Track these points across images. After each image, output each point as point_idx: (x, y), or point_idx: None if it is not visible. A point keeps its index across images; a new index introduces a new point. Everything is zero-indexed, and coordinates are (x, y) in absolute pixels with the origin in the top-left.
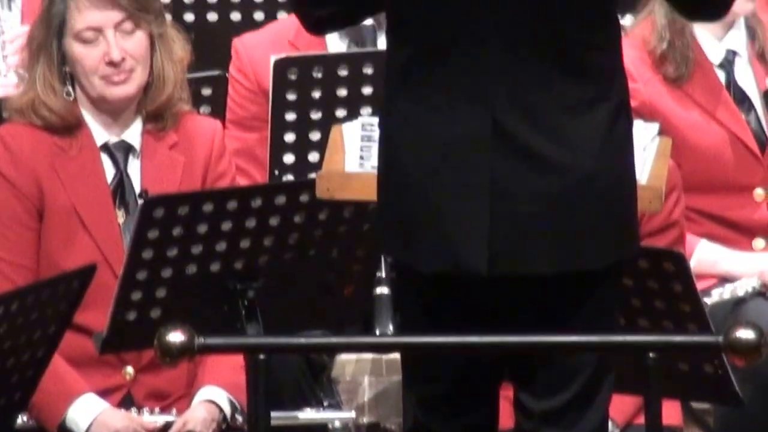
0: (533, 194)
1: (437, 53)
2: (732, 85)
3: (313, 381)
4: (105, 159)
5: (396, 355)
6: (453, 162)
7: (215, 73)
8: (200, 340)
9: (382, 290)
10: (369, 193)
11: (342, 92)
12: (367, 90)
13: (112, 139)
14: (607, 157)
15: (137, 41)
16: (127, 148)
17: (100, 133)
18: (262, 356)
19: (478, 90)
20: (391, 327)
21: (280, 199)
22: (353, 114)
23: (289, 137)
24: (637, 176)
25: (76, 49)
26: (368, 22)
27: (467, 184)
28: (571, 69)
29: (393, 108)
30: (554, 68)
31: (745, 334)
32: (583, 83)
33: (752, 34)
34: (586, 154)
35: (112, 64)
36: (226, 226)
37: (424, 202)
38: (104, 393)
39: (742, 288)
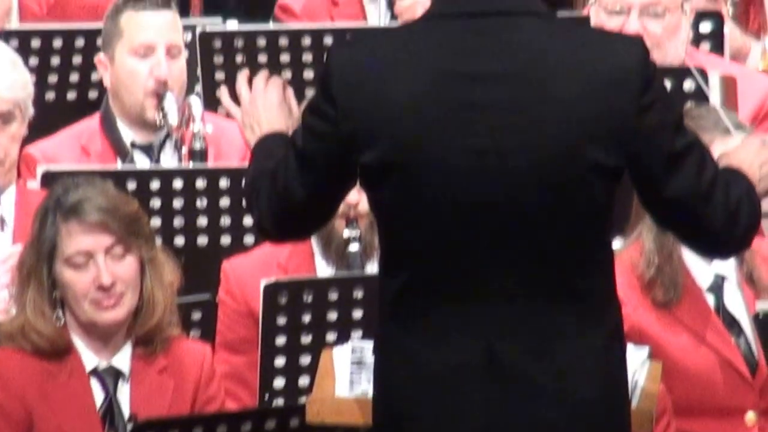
0: (530, 423)
1: (430, 282)
2: (721, 309)
3: None
4: (94, 384)
5: None
6: (448, 391)
7: (205, 297)
8: None
9: None
10: (360, 417)
11: (332, 316)
12: (357, 314)
13: (102, 363)
14: (601, 383)
15: (127, 265)
16: (116, 373)
17: (89, 357)
18: None
19: (472, 319)
20: None
21: (270, 424)
22: (344, 338)
23: (279, 361)
24: None
25: (66, 273)
26: (355, 249)
27: (463, 413)
28: (565, 296)
29: (386, 335)
30: (548, 296)
31: None
32: (578, 310)
33: (740, 257)
34: (581, 381)
35: (102, 288)
36: None
37: (419, 430)
38: None
39: None
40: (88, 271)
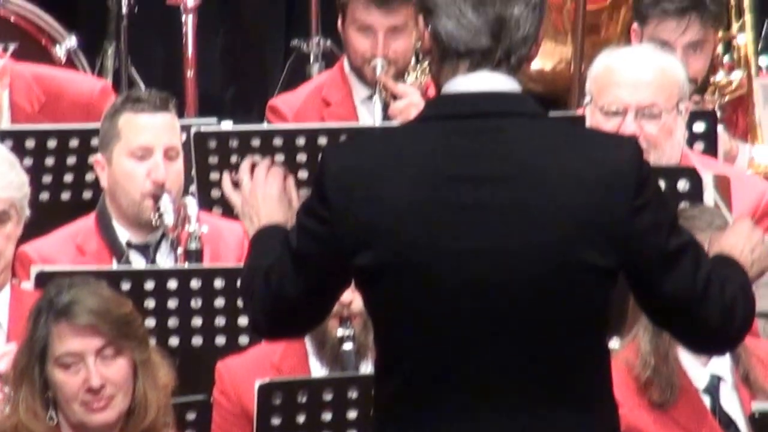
0: None
1: (426, 385)
2: (717, 410)
3: None
4: None
5: None
6: None
7: (200, 397)
8: None
9: None
10: None
11: (327, 416)
12: (352, 414)
13: None
14: None
15: (118, 368)
16: None
17: None
18: None
19: (467, 423)
20: None
21: None
22: None
23: None
24: None
25: (56, 375)
26: (349, 348)
27: None
28: (562, 398)
29: None
30: (545, 398)
31: None
32: (575, 412)
33: (736, 358)
34: None
35: (91, 390)
36: None
37: None
38: None
39: None
40: (78, 373)
